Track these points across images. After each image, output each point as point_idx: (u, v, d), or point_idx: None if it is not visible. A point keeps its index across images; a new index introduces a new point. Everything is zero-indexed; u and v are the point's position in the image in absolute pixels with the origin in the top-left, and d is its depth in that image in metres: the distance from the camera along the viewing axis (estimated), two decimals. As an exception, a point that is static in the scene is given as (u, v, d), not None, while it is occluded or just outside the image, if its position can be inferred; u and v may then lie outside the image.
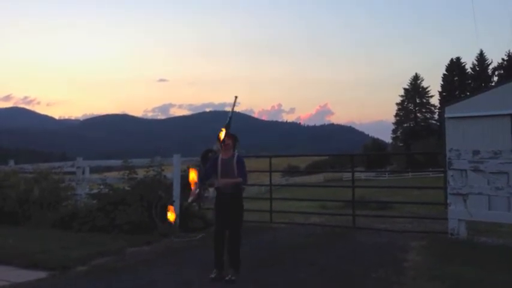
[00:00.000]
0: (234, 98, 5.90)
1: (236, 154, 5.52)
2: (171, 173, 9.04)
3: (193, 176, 5.81)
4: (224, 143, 5.49)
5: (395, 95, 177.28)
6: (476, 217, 7.45)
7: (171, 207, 7.98)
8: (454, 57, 79.77)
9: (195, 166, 9.31)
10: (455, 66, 76.71)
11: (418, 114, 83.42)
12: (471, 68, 76.41)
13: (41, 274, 5.60)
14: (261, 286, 4.99)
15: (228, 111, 5.82)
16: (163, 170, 9.11)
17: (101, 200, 9.01)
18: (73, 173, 10.83)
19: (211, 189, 5.53)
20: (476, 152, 7.30)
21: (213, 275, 5.25)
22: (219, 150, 5.61)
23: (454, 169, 7.43)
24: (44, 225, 8.98)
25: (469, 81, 75.65)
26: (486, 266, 5.65)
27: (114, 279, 5.36)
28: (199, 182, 5.74)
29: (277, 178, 51.74)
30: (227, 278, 5.15)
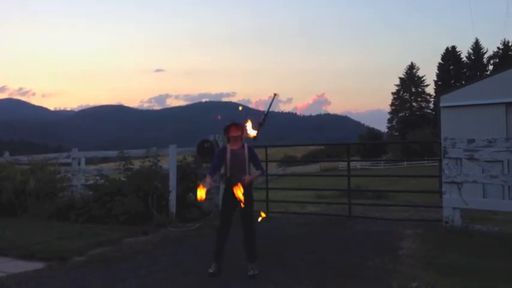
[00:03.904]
0: (273, 96, 5.47)
1: (246, 145, 5.24)
2: (167, 163, 9.03)
3: (201, 194, 5.04)
4: (233, 135, 5.14)
5: (391, 85, 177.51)
6: (471, 205, 7.48)
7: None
8: (449, 46, 79.82)
9: (192, 157, 9.38)
10: (450, 55, 76.63)
11: (414, 104, 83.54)
12: (466, 57, 76.39)
13: (38, 265, 5.60)
14: (257, 276, 5.00)
15: (263, 110, 5.45)
16: (159, 161, 9.10)
17: (97, 191, 9.00)
18: (69, 164, 10.80)
19: (208, 180, 5.23)
20: (471, 141, 7.31)
21: (211, 270, 5.07)
22: (214, 141, 5.34)
23: (449, 158, 7.44)
24: (40, 216, 8.98)
25: (465, 70, 75.68)
26: (481, 253, 5.71)
27: (111, 270, 5.37)
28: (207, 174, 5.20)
29: (273, 168, 51.91)
30: (250, 274, 4.97)
